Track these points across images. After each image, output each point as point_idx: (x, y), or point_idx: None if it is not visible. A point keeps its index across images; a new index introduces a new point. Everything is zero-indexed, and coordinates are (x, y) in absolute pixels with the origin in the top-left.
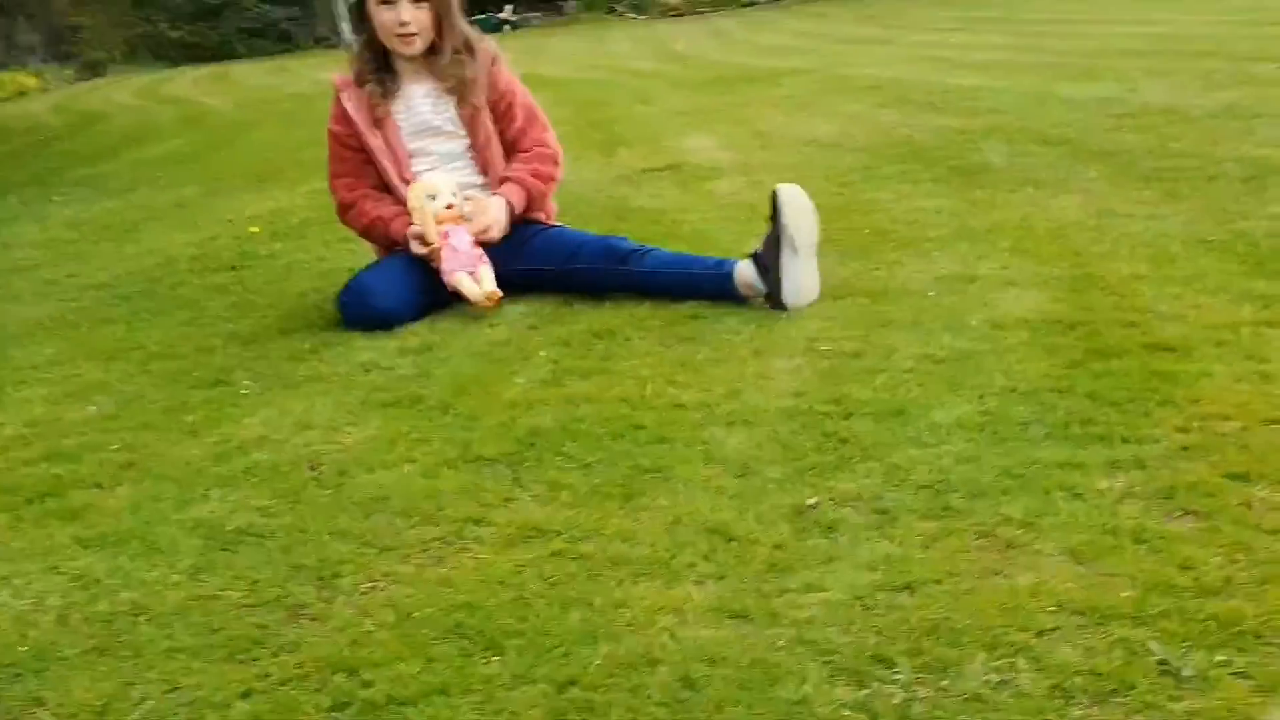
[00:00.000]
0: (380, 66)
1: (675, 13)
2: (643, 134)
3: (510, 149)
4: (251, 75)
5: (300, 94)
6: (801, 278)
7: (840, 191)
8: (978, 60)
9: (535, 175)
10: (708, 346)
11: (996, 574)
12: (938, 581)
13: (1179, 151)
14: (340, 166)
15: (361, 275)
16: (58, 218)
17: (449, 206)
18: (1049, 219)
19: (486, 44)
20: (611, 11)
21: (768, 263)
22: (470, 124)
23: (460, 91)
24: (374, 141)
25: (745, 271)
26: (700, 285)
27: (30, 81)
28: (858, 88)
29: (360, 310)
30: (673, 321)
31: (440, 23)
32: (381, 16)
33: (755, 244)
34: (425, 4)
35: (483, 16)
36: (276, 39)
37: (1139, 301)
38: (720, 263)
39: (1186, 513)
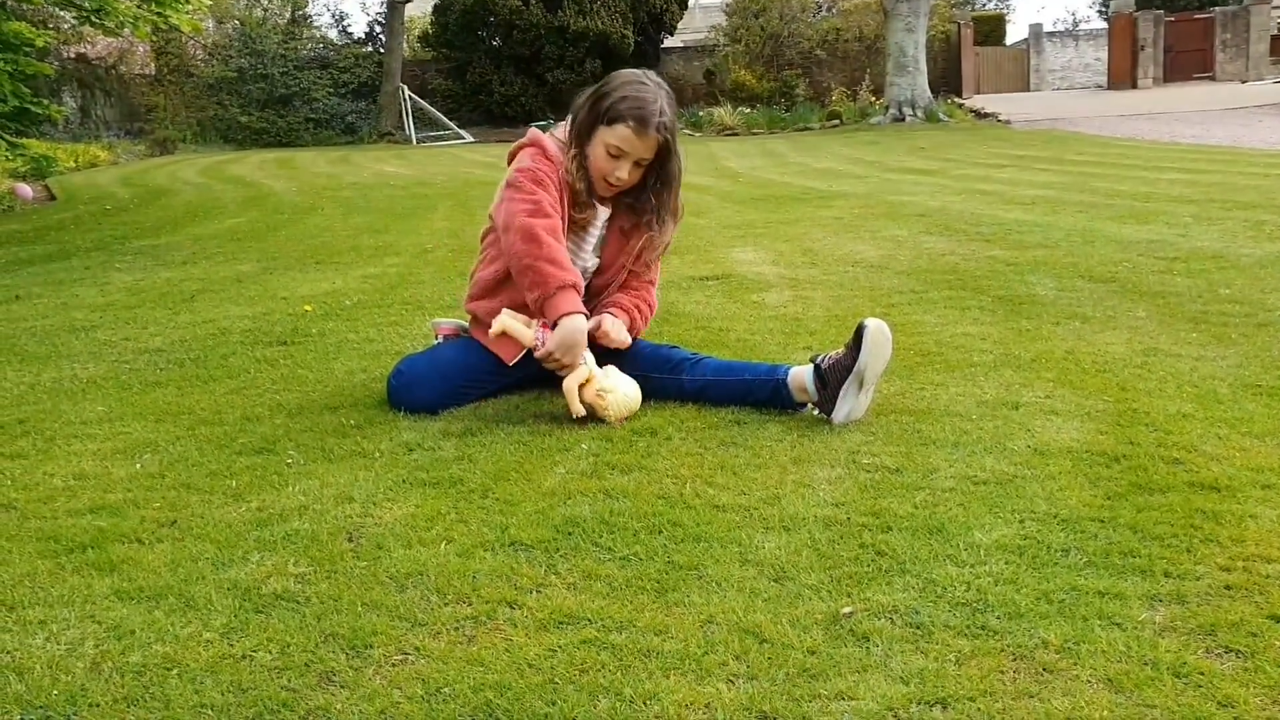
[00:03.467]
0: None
1: (730, 131)
2: (693, 244)
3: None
4: (315, 162)
5: (360, 183)
6: (856, 405)
7: (886, 312)
8: (1026, 196)
9: (637, 308)
10: (749, 451)
11: (1031, 696)
12: (971, 699)
13: (1229, 297)
14: (554, 205)
15: (414, 362)
16: (118, 283)
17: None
18: (1095, 353)
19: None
20: None
21: (829, 380)
22: (611, 263)
23: (635, 249)
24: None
25: (802, 375)
26: (753, 390)
27: (102, 154)
28: (906, 214)
29: (406, 398)
30: (715, 425)
31: (664, 185)
32: (602, 161)
33: (816, 351)
34: (644, 167)
35: (544, 123)
36: (342, 130)
37: (1184, 439)
38: (773, 368)
39: (1229, 651)
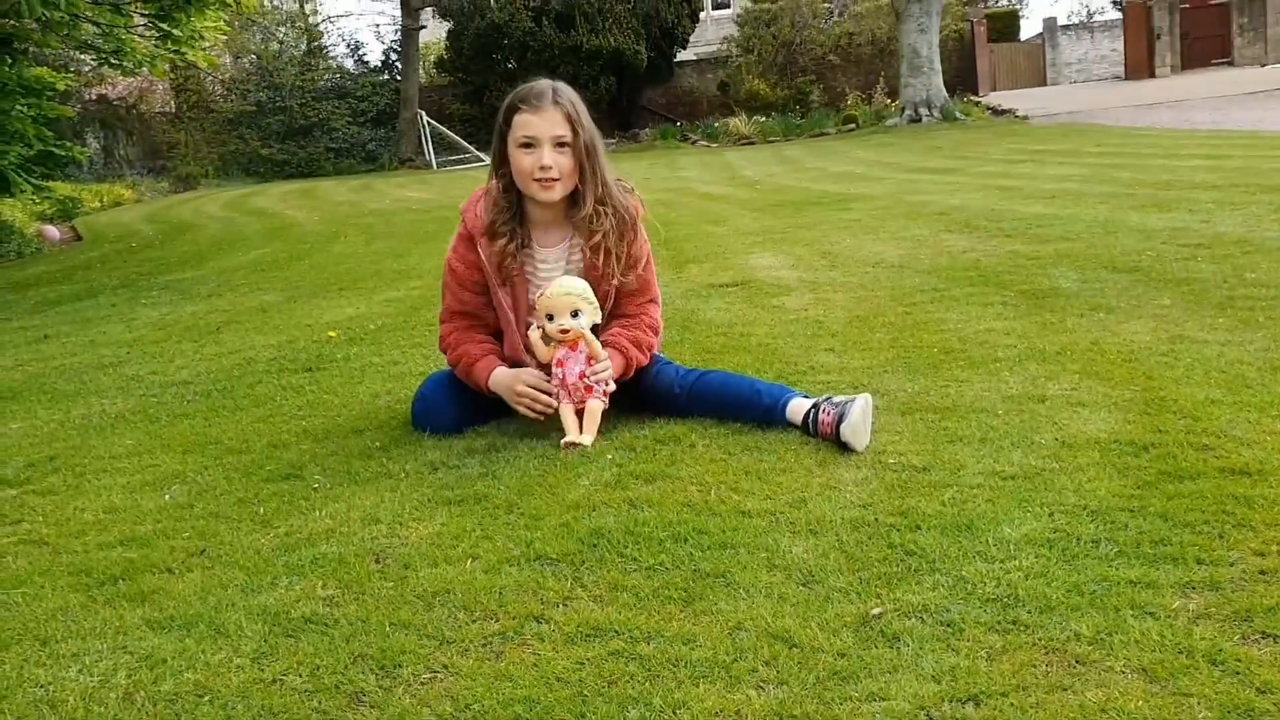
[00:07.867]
0: (514, 215)
1: (746, 141)
2: (712, 252)
3: (611, 307)
4: (337, 191)
5: (382, 210)
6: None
7: (909, 311)
8: (1046, 190)
9: (636, 344)
10: (773, 455)
11: (1065, 689)
12: (1004, 694)
13: (1255, 281)
14: (461, 306)
15: (435, 385)
16: (144, 319)
17: (564, 331)
18: (1120, 343)
19: (632, 204)
20: (685, 139)
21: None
22: (594, 282)
23: (595, 254)
24: (504, 300)
25: (796, 413)
26: (748, 418)
27: (126, 193)
28: (925, 213)
29: (428, 422)
30: (738, 430)
31: (582, 169)
32: (521, 161)
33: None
34: (568, 149)
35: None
36: (363, 159)
37: (1214, 425)
38: (769, 409)
39: (1266, 636)
